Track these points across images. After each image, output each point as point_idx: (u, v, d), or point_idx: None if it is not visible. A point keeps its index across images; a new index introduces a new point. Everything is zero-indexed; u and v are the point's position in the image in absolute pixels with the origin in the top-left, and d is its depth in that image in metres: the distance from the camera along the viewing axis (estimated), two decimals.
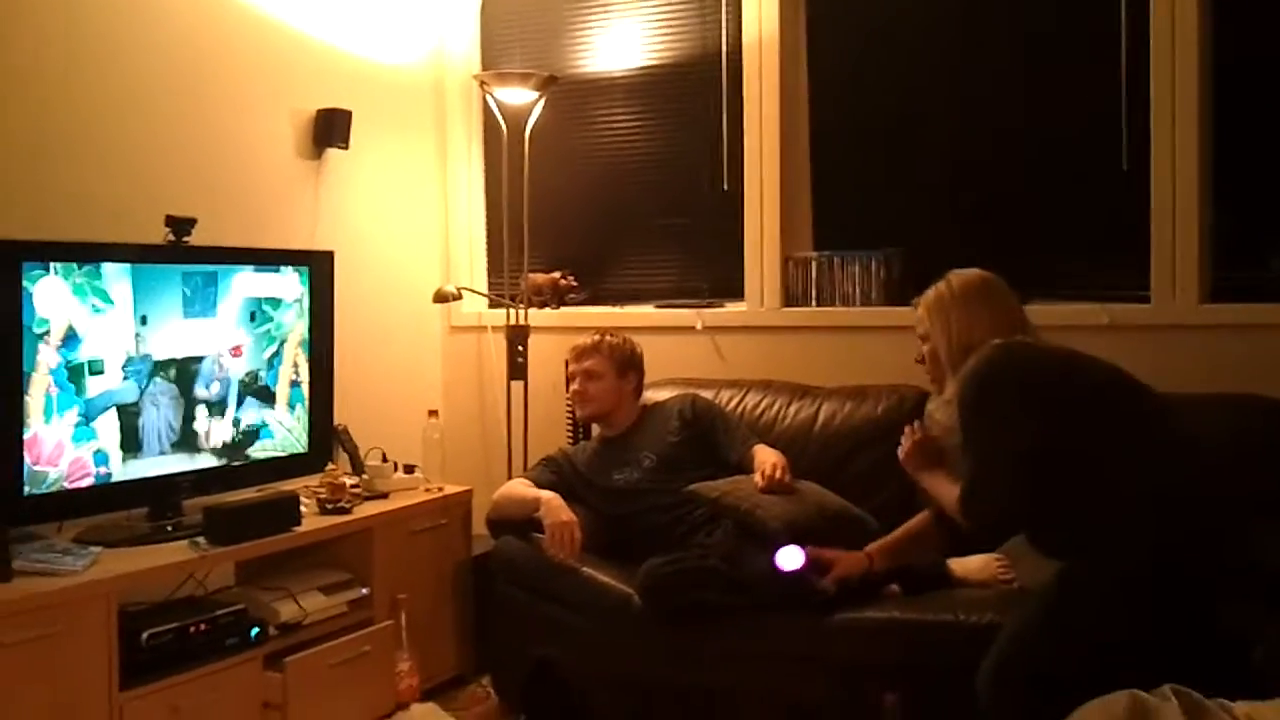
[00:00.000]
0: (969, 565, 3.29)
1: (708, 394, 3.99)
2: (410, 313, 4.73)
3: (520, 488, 3.79)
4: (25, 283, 3.00)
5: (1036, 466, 2.63)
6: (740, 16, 4.35)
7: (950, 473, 2.90)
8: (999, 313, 2.87)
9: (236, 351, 3.57)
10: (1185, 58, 3.66)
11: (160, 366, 3.36)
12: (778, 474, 3.47)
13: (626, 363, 3.89)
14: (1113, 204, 3.85)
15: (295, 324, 3.74)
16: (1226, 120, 3.71)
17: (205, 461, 3.50)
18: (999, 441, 2.66)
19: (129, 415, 3.28)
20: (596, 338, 3.91)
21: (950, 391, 2.85)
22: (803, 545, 3.19)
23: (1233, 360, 3.54)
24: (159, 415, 3.37)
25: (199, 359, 3.46)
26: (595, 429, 4.01)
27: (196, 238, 3.45)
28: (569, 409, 4.24)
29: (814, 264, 4.25)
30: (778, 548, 3.19)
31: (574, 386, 3.90)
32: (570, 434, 4.33)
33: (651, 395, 4.00)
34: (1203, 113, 3.67)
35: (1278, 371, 3.46)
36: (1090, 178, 3.89)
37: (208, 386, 3.49)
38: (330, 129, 4.24)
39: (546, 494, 3.66)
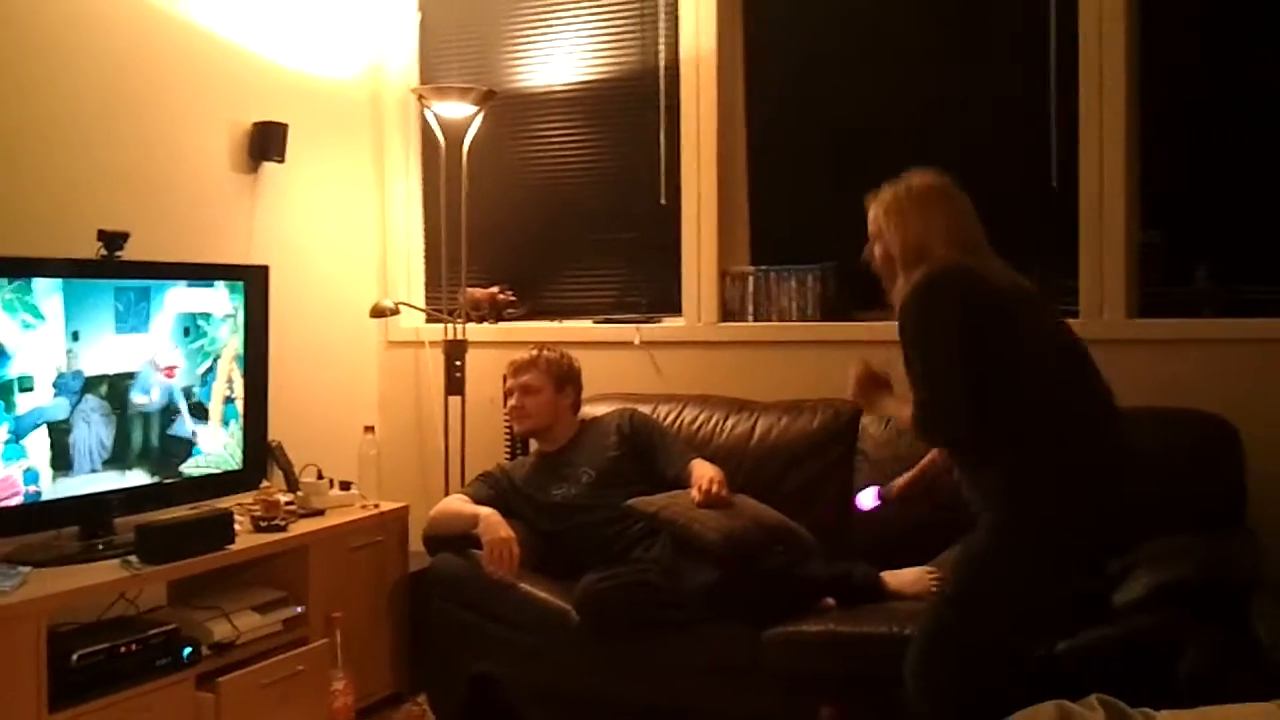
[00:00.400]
0: (903, 578, 3.33)
1: (645, 408, 4.00)
2: (347, 328, 4.70)
3: (458, 504, 3.78)
4: None
5: (978, 370, 2.60)
6: (678, 32, 4.38)
7: (902, 398, 2.82)
8: (954, 217, 2.82)
9: (169, 373, 3.53)
10: (1113, 75, 3.74)
11: (92, 383, 3.31)
12: (714, 488, 3.48)
13: (564, 377, 3.90)
14: (1042, 220, 3.91)
15: (229, 339, 3.71)
16: (1153, 137, 3.78)
17: (137, 479, 3.45)
18: (946, 345, 2.62)
19: (60, 433, 3.23)
20: (534, 352, 3.92)
21: (897, 296, 2.78)
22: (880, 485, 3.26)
23: (1160, 375, 3.59)
24: (90, 432, 3.32)
25: (131, 375, 3.42)
26: (533, 444, 4.01)
27: (129, 252, 3.41)
28: (507, 424, 4.24)
29: (751, 279, 4.28)
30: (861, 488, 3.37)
31: (511, 401, 3.90)
32: (508, 449, 4.33)
33: (589, 410, 4.01)
34: (1130, 130, 3.75)
35: (1204, 386, 3.53)
36: (1020, 195, 3.94)
37: (146, 393, 3.46)
38: (266, 142, 4.21)
39: (485, 510, 3.65)
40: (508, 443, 4.34)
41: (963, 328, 2.61)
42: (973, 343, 2.60)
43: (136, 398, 3.44)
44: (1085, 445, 2.65)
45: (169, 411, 3.54)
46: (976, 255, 2.79)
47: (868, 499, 3.28)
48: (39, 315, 3.17)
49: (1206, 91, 3.75)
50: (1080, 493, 2.61)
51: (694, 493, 3.51)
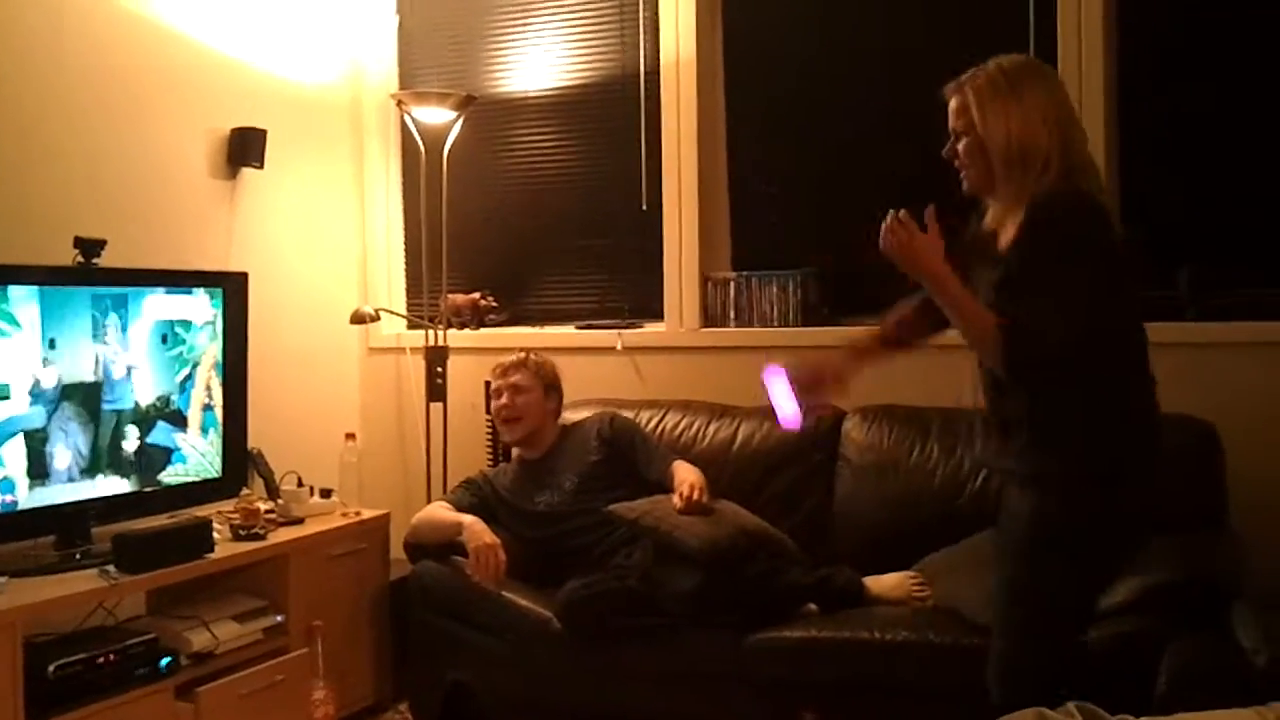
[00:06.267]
0: (884, 583, 3.33)
1: (627, 414, 3.99)
2: (327, 334, 4.68)
3: (441, 511, 3.76)
4: None
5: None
6: (658, 37, 4.37)
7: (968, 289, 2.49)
8: (1053, 107, 2.49)
9: (148, 382, 3.51)
10: (1092, 80, 3.75)
11: (69, 391, 3.29)
12: (695, 494, 3.47)
13: (551, 382, 3.91)
14: None
15: (208, 346, 3.69)
16: (1132, 143, 3.79)
17: (115, 488, 3.43)
18: (1096, 273, 2.41)
19: (36, 441, 3.21)
20: (522, 354, 3.92)
21: (1002, 212, 2.54)
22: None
23: None
24: (67, 441, 3.30)
25: (109, 383, 3.40)
26: (515, 451, 3.99)
27: (106, 259, 3.39)
28: (489, 430, 4.22)
29: (732, 284, 4.28)
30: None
31: (502, 401, 3.86)
32: (490, 455, 4.31)
33: (569, 415, 4.00)
34: (1109, 132, 3.76)
35: (1185, 389, 3.50)
36: None
37: (124, 401, 3.43)
38: (245, 148, 4.19)
39: (468, 518, 3.64)
40: (490, 449, 4.32)
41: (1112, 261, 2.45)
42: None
43: (114, 406, 3.42)
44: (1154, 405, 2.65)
45: (147, 419, 3.51)
46: (1088, 176, 2.50)
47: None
48: (15, 323, 3.14)
49: (1187, 92, 3.76)
50: (1152, 450, 2.61)
51: (675, 499, 3.50)
